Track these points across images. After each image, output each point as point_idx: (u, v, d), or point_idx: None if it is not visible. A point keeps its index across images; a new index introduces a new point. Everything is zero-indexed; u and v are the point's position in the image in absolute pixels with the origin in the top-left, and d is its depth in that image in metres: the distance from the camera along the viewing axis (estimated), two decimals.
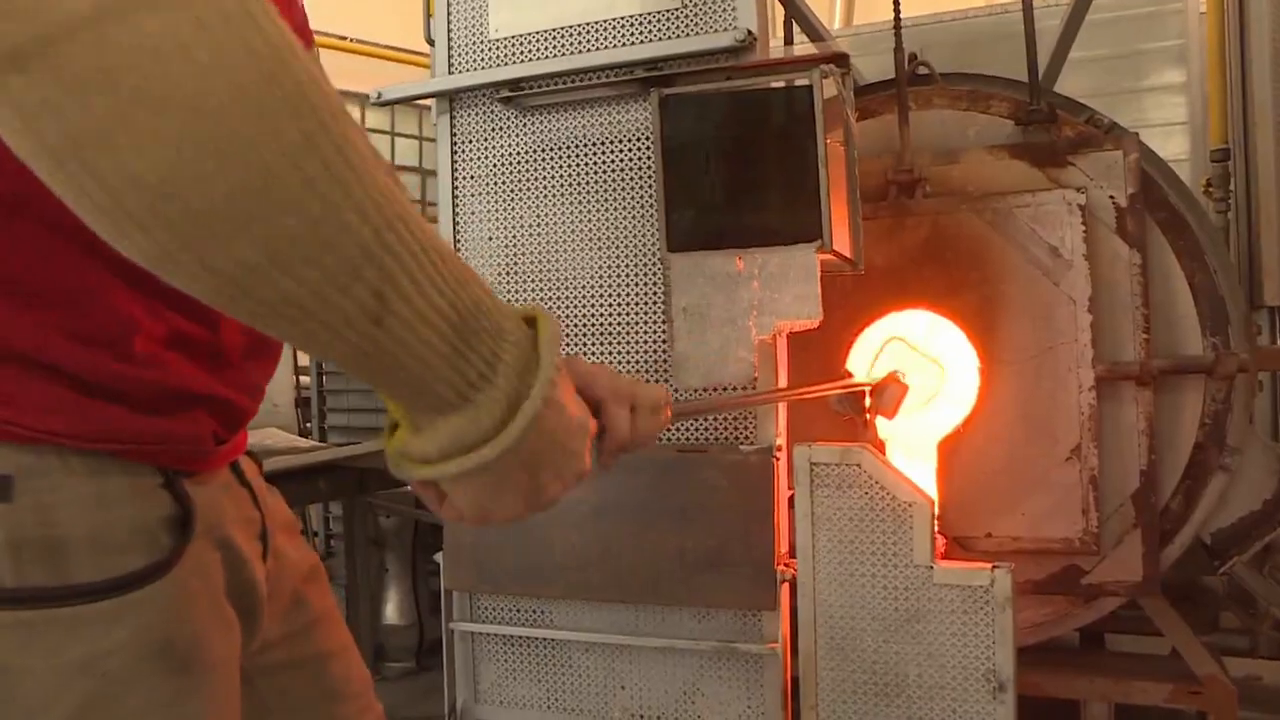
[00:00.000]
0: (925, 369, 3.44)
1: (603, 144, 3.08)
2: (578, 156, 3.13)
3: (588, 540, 3.09)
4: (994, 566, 2.55)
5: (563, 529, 3.12)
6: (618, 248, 3.08)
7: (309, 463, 4.06)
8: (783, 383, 2.94)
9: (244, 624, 1.20)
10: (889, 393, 2.75)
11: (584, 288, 3.13)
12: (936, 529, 3.42)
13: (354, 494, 4.72)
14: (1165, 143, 4.91)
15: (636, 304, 3.05)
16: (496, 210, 3.26)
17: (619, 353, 3.09)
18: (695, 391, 2.78)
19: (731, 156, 2.78)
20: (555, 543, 3.13)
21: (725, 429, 2.97)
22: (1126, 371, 3.27)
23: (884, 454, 3.24)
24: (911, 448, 3.49)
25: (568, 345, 3.17)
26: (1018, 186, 3.36)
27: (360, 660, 1.55)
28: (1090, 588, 3.37)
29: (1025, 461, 3.32)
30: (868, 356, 3.36)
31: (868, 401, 2.80)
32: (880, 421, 3.08)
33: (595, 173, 3.11)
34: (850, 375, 2.86)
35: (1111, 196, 3.32)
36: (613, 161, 3.08)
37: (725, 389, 2.77)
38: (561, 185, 3.16)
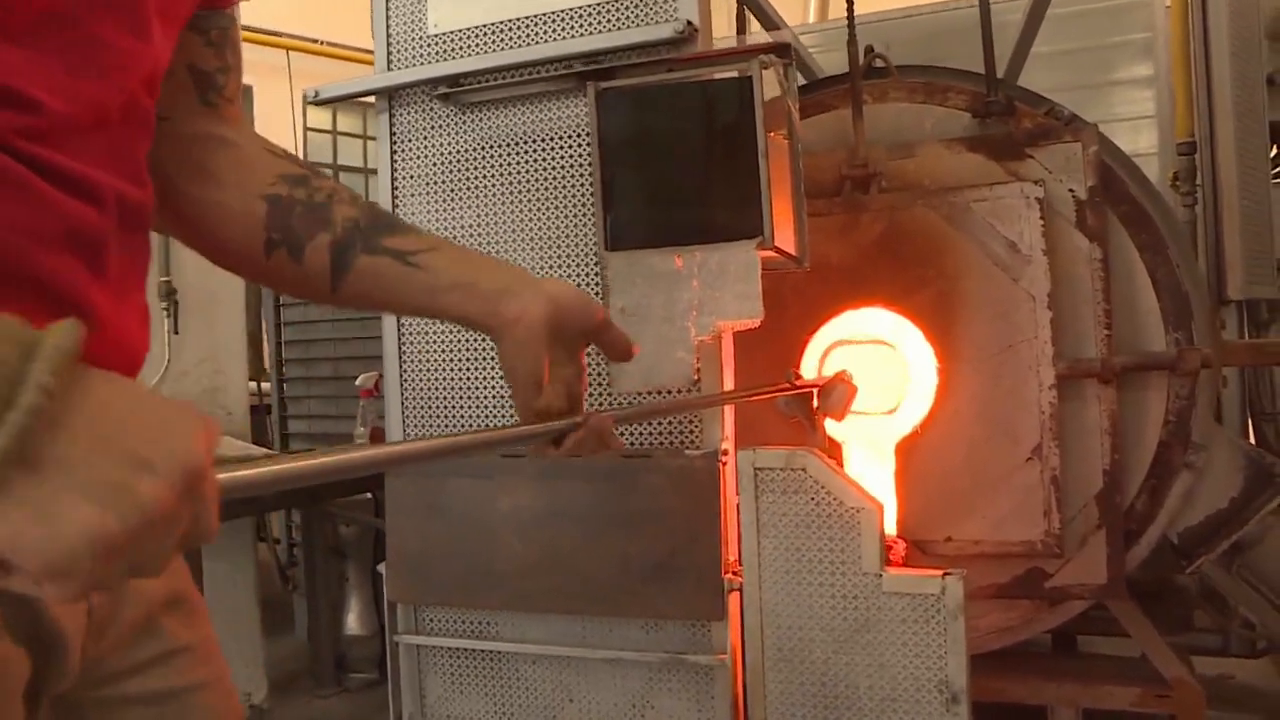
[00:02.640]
0: (888, 368, 3.29)
1: (543, 141, 2.93)
2: (518, 154, 2.98)
3: (531, 549, 2.94)
4: (945, 574, 2.40)
5: (506, 537, 2.97)
6: (560, 247, 2.93)
7: None
8: (729, 385, 2.79)
9: (41, 659, 1.04)
10: (836, 393, 2.60)
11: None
12: (896, 533, 3.28)
13: (312, 503, 4.56)
14: (1134, 137, 4.77)
15: None
16: (437, 210, 3.10)
17: None
18: (634, 396, 2.63)
19: (671, 152, 2.62)
20: (499, 551, 2.98)
21: (670, 433, 2.82)
22: (1088, 369, 3.13)
23: (839, 456, 3.09)
24: (870, 449, 3.34)
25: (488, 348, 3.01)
26: (975, 180, 3.21)
27: (234, 695, 1.40)
28: (1054, 591, 3.22)
29: (985, 462, 3.17)
30: (821, 357, 3.22)
31: (816, 403, 2.64)
32: (832, 423, 2.93)
33: (536, 170, 2.96)
34: (799, 376, 2.71)
35: (1071, 190, 3.18)
36: (554, 159, 2.93)
37: (665, 393, 2.61)
38: (502, 184, 3.01)
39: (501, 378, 1.37)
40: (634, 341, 1.37)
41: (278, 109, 7.52)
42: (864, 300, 3.26)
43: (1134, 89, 4.89)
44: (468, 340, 3.08)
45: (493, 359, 3.01)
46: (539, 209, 2.95)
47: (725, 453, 2.72)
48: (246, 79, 1.42)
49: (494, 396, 3.06)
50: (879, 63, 3.57)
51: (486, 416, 3.06)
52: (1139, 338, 3.21)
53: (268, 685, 4.33)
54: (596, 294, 2.77)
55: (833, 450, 3.17)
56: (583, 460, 2.88)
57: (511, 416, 2.90)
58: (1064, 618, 3.39)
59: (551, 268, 2.93)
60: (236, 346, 4.57)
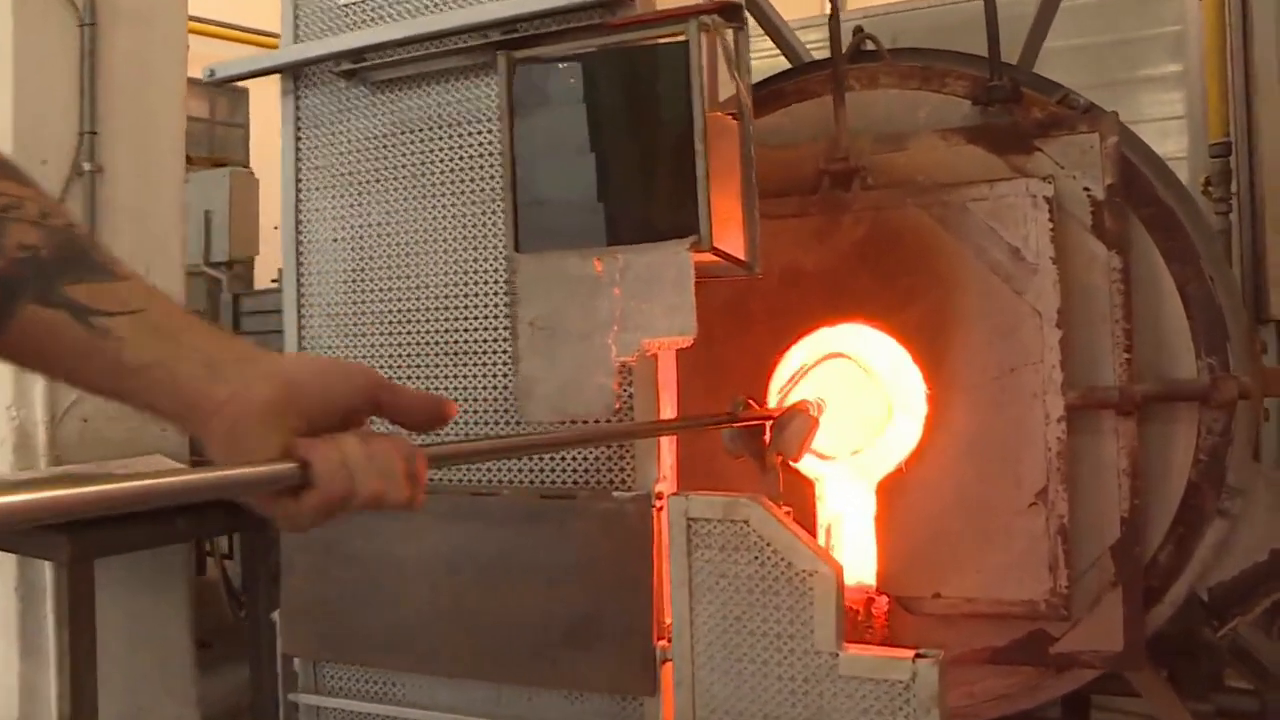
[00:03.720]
0: (866, 396, 2.78)
1: (457, 125, 2.46)
2: (431, 140, 2.51)
3: (441, 599, 2.46)
4: (917, 655, 1.89)
5: (413, 585, 2.49)
6: (476, 249, 2.46)
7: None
8: (668, 413, 2.29)
9: None
10: (792, 428, 2.10)
11: (437, 298, 2.50)
12: (876, 586, 2.77)
13: (252, 527, 4.09)
14: (1161, 140, 4.22)
15: (495, 317, 2.41)
16: (344, 207, 2.64)
17: (475, 376, 2.45)
18: (545, 426, 2.14)
19: (593, 134, 2.14)
20: (405, 602, 2.50)
21: (597, 470, 2.33)
22: (1104, 399, 2.60)
23: (811, 496, 2.59)
24: (848, 488, 2.83)
25: (418, 366, 2.54)
26: (974, 176, 2.70)
27: None
28: (1060, 657, 2.69)
29: (981, 507, 2.65)
30: (787, 382, 2.71)
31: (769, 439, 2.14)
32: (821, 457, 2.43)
33: (450, 160, 2.49)
34: (751, 405, 2.20)
35: (1086, 188, 2.66)
36: (469, 146, 2.46)
37: (579, 424, 2.12)
38: (414, 175, 2.54)
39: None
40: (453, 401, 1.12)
41: None
42: (843, 315, 2.76)
43: (1162, 87, 4.35)
44: (391, 351, 2.60)
45: (420, 368, 2.53)
46: (452, 204, 2.48)
47: (660, 496, 2.22)
48: None
49: None
50: (868, 45, 3.05)
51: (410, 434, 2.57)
52: (1165, 362, 2.69)
53: None
54: (504, 301, 2.29)
55: (803, 489, 2.67)
56: (499, 499, 2.40)
57: (444, 431, 2.41)
58: (1073, 685, 2.86)
59: (463, 271, 2.44)
60: None
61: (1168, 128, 4.21)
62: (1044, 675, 2.83)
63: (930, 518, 2.70)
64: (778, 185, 2.86)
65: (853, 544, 2.90)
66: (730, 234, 2.11)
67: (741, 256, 2.14)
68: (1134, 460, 2.62)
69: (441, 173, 2.52)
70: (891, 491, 2.73)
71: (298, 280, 2.70)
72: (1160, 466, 2.71)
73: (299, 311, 2.70)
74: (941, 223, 2.68)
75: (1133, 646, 2.66)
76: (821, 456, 2.67)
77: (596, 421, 2.15)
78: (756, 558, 2.01)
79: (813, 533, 2.77)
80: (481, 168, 2.44)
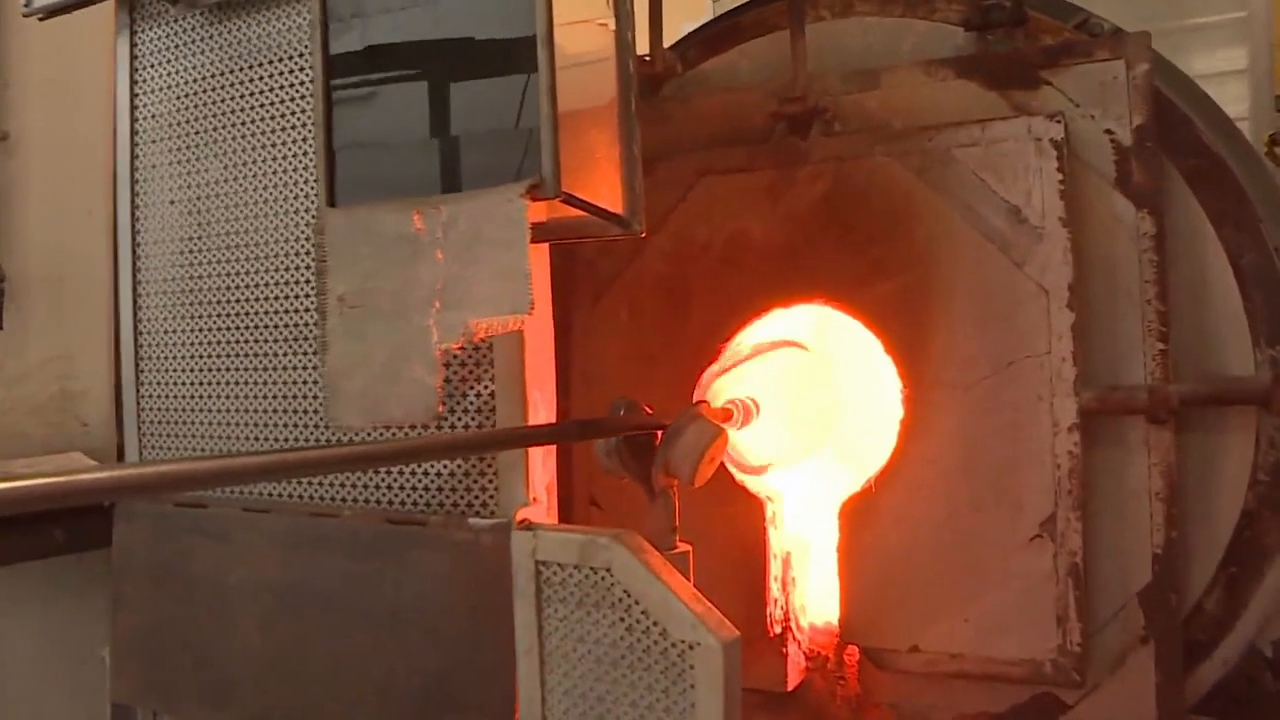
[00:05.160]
0: (815, 393, 2.17)
1: (304, 58, 1.89)
2: (274, 78, 1.95)
3: (272, 644, 1.93)
4: None
5: (243, 623, 1.95)
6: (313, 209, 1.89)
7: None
8: (541, 416, 1.71)
9: None
10: (686, 439, 1.50)
11: (279, 270, 1.95)
12: (837, 632, 2.16)
13: None
14: (1218, 95, 3.52)
15: None
16: (181, 162, 2.10)
17: (317, 364, 1.89)
18: (355, 435, 1.57)
19: (423, 52, 1.58)
20: (234, 645, 1.95)
21: (454, 489, 1.75)
22: (1130, 401, 1.97)
23: (761, 518, 1.99)
24: (807, 513, 2.23)
25: (256, 355, 2.00)
26: (965, 117, 2.06)
27: None
28: None
29: (970, 538, 2.04)
30: (734, 375, 2.10)
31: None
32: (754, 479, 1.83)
33: (296, 102, 1.92)
34: (641, 410, 1.61)
35: (1108, 130, 2.02)
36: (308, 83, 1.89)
37: (402, 431, 1.55)
38: (257, 122, 1.99)
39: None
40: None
41: None
42: (799, 294, 2.14)
43: (1219, 37, 3.63)
44: (228, 335, 2.06)
45: (258, 355, 1.99)
46: (296, 155, 1.92)
47: (525, 523, 1.63)
48: None
49: (260, 409, 2.03)
50: None
51: (250, 435, 2.04)
52: (1211, 355, 2.05)
53: None
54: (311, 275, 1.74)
55: (754, 512, 2.07)
56: (340, 522, 1.85)
57: (286, 434, 1.89)
58: None
59: (310, 239, 1.89)
60: (96, 345, 3.62)
61: (1225, 81, 3.51)
62: None
63: (906, 551, 2.08)
64: (723, 135, 2.26)
65: (816, 577, 2.29)
66: (596, 180, 1.53)
67: (614, 208, 1.54)
68: (1170, 481, 1.98)
69: (285, 117, 1.97)
70: (858, 517, 2.11)
71: (134, 249, 2.17)
72: (1205, 489, 2.06)
73: (135, 288, 2.17)
74: (920, 176, 2.05)
75: (1170, 718, 2.01)
76: (753, 470, 2.07)
77: (429, 429, 1.57)
78: (622, 619, 1.42)
79: (764, 564, 2.17)
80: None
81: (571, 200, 1.45)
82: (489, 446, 1.56)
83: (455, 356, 1.76)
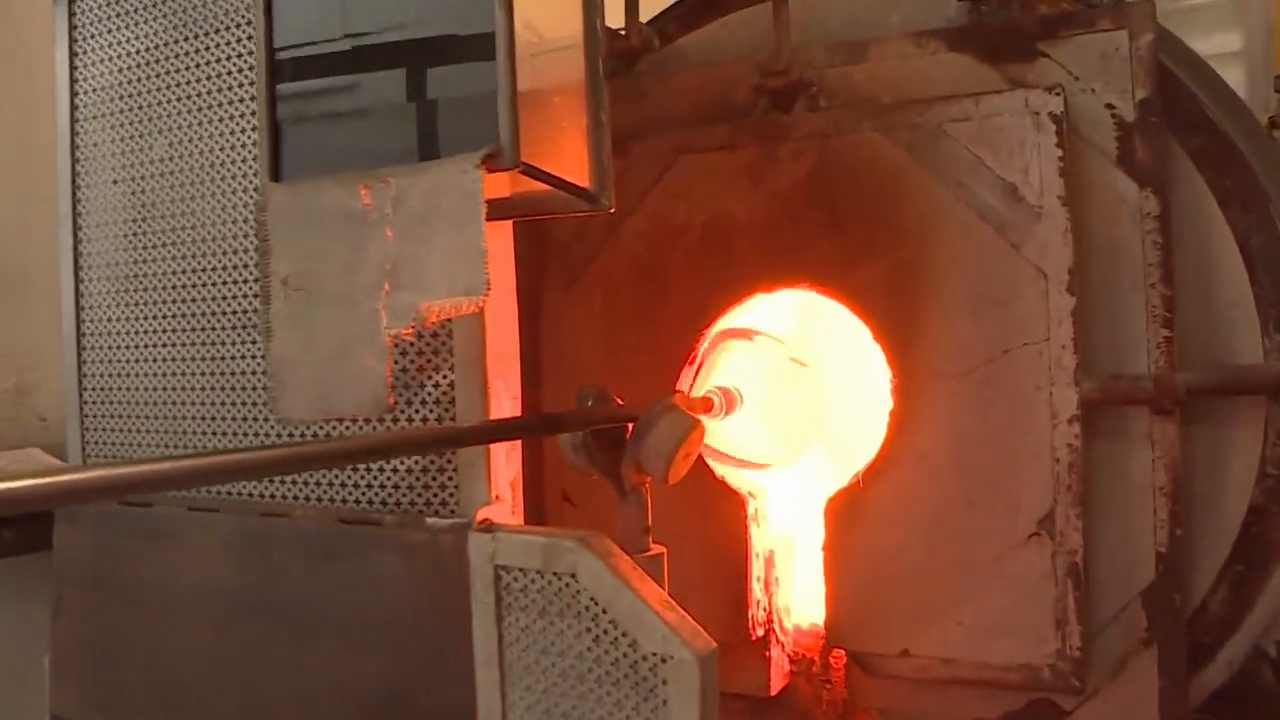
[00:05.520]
0: (811, 385, 2.05)
1: (251, 26, 1.75)
2: (223, 48, 1.82)
3: (226, 649, 1.80)
4: None
5: (192, 630, 1.82)
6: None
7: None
8: (504, 409, 1.58)
9: None
10: (659, 434, 1.37)
11: (227, 253, 1.82)
12: (823, 635, 2.04)
13: None
14: None
15: None
16: (124, 139, 1.96)
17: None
18: (304, 429, 1.44)
19: (372, 17, 1.44)
20: (182, 653, 1.82)
21: (411, 487, 1.61)
22: (1134, 392, 1.85)
23: (744, 515, 1.87)
24: (791, 510, 2.10)
25: (204, 344, 1.87)
26: (957, 91, 1.94)
27: None
28: None
29: (964, 537, 1.92)
30: (709, 365, 1.98)
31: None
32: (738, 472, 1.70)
33: (243, 72, 1.78)
34: (611, 401, 1.47)
35: (1110, 105, 1.90)
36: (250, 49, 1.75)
37: (354, 424, 1.42)
38: (204, 95, 1.85)
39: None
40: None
41: None
42: (782, 278, 2.02)
43: (1214, 17, 3.52)
44: (177, 324, 1.93)
45: (207, 345, 1.86)
46: (244, 130, 1.78)
47: (486, 523, 1.50)
48: None
49: (211, 402, 1.90)
50: None
51: (203, 430, 1.91)
52: (1219, 342, 1.93)
53: None
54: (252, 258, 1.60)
55: (735, 509, 1.95)
56: (291, 523, 1.71)
57: (239, 429, 1.76)
58: None
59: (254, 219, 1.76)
60: (55, 337, 3.48)
61: (1221, 65, 3.38)
62: None
63: (896, 550, 1.96)
64: (702, 111, 2.13)
65: (801, 577, 2.17)
66: (560, 151, 1.40)
67: (581, 182, 1.40)
68: (1175, 475, 1.86)
69: (233, 90, 1.83)
70: (845, 514, 1.99)
71: (75, 233, 2.03)
72: (1211, 484, 1.94)
73: (77, 274, 2.03)
74: (910, 152, 1.93)
75: None
76: (742, 464, 1.94)
77: (371, 425, 1.44)
78: (589, 629, 1.29)
79: (746, 564, 2.04)
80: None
81: (532, 171, 1.31)
82: (443, 444, 1.43)
83: (412, 344, 1.63)
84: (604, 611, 1.27)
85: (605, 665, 1.28)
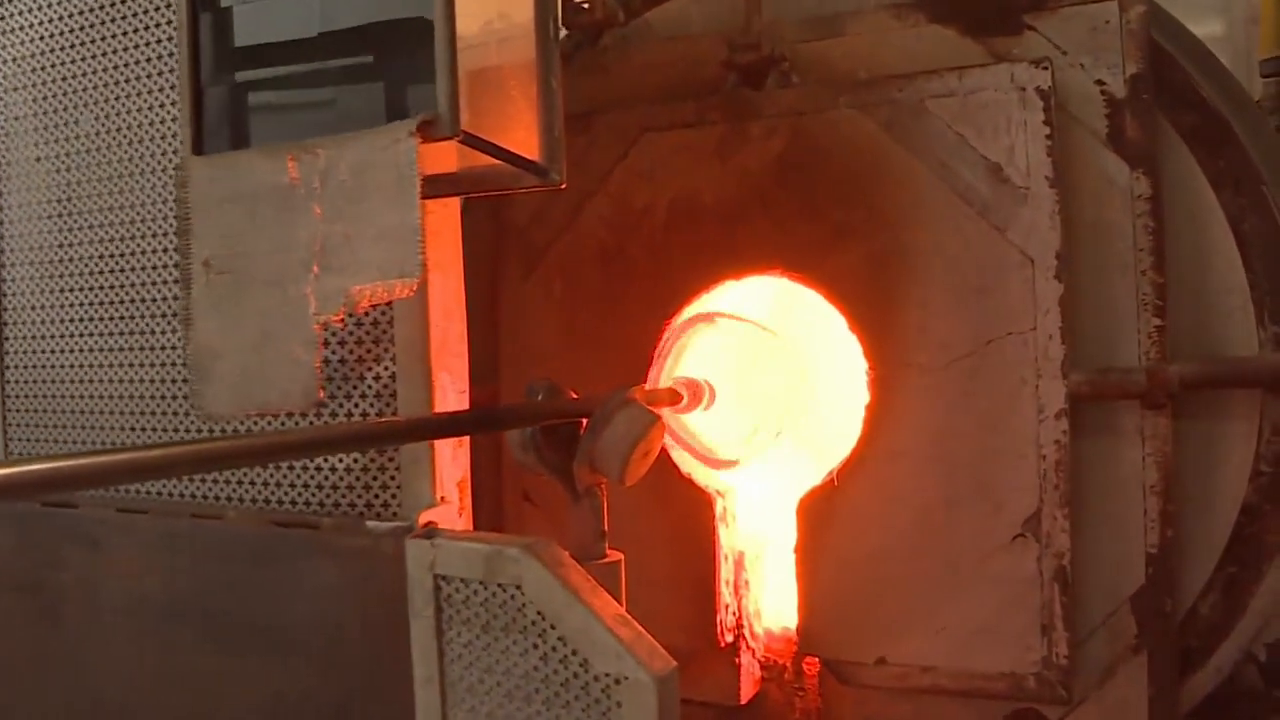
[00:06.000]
0: (783, 376, 1.93)
1: None
2: (152, 14, 1.68)
3: (146, 664, 1.66)
4: None
5: (117, 640, 1.68)
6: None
7: None
8: (450, 403, 1.45)
9: None
10: (616, 429, 1.25)
11: (160, 234, 1.68)
12: (794, 641, 1.92)
13: None
14: None
15: None
16: (48, 113, 1.81)
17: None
18: (226, 425, 1.31)
19: None
20: (105, 664, 1.68)
21: (351, 487, 1.48)
22: (1124, 385, 1.74)
23: (711, 514, 1.75)
24: (762, 509, 1.99)
25: (135, 333, 1.73)
26: (939, 66, 1.82)
27: None
28: None
29: (945, 538, 1.80)
30: (677, 354, 1.85)
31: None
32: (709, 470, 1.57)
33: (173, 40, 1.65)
34: (565, 394, 1.35)
35: (1099, 81, 1.79)
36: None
37: (283, 419, 1.29)
38: (132, 65, 1.71)
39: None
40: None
41: None
42: (753, 264, 1.89)
43: (1194, 1, 3.42)
44: (105, 311, 1.79)
45: (137, 334, 1.73)
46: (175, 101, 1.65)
47: (430, 526, 1.38)
48: None
49: (140, 395, 1.75)
50: None
51: (132, 425, 1.77)
52: (1212, 332, 1.82)
53: None
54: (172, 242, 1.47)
55: (703, 509, 1.83)
56: (221, 524, 1.58)
57: (169, 424, 1.63)
58: None
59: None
60: None
61: None
62: None
63: (872, 552, 1.85)
64: (668, 88, 2.01)
65: (772, 580, 2.05)
66: (506, 121, 1.27)
67: (531, 155, 1.27)
68: (1166, 473, 1.76)
69: (164, 59, 1.69)
70: (818, 514, 1.87)
71: None
72: (1203, 482, 1.84)
73: None
74: (889, 130, 1.81)
75: None
76: (709, 460, 1.82)
77: (307, 419, 1.30)
78: (536, 646, 1.16)
79: (714, 566, 1.92)
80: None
81: (474, 142, 1.18)
82: (373, 441, 1.30)
83: (351, 333, 1.49)
84: (552, 627, 1.14)
85: (554, 686, 1.16)
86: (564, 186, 1.31)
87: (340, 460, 1.50)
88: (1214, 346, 1.82)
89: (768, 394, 1.99)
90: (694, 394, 1.65)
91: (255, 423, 1.48)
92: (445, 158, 1.37)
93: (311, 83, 1.35)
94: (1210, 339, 1.82)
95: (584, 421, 1.34)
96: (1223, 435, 1.83)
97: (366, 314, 1.46)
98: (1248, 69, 3.33)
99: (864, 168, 1.83)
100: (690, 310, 1.94)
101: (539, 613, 1.15)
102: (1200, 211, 1.84)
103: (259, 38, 1.38)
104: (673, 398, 1.71)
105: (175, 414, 1.70)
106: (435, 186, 1.39)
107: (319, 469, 1.53)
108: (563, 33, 2.22)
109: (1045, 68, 1.74)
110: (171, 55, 1.69)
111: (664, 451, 1.86)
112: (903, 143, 1.80)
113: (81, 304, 1.82)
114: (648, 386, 1.90)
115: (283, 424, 1.51)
